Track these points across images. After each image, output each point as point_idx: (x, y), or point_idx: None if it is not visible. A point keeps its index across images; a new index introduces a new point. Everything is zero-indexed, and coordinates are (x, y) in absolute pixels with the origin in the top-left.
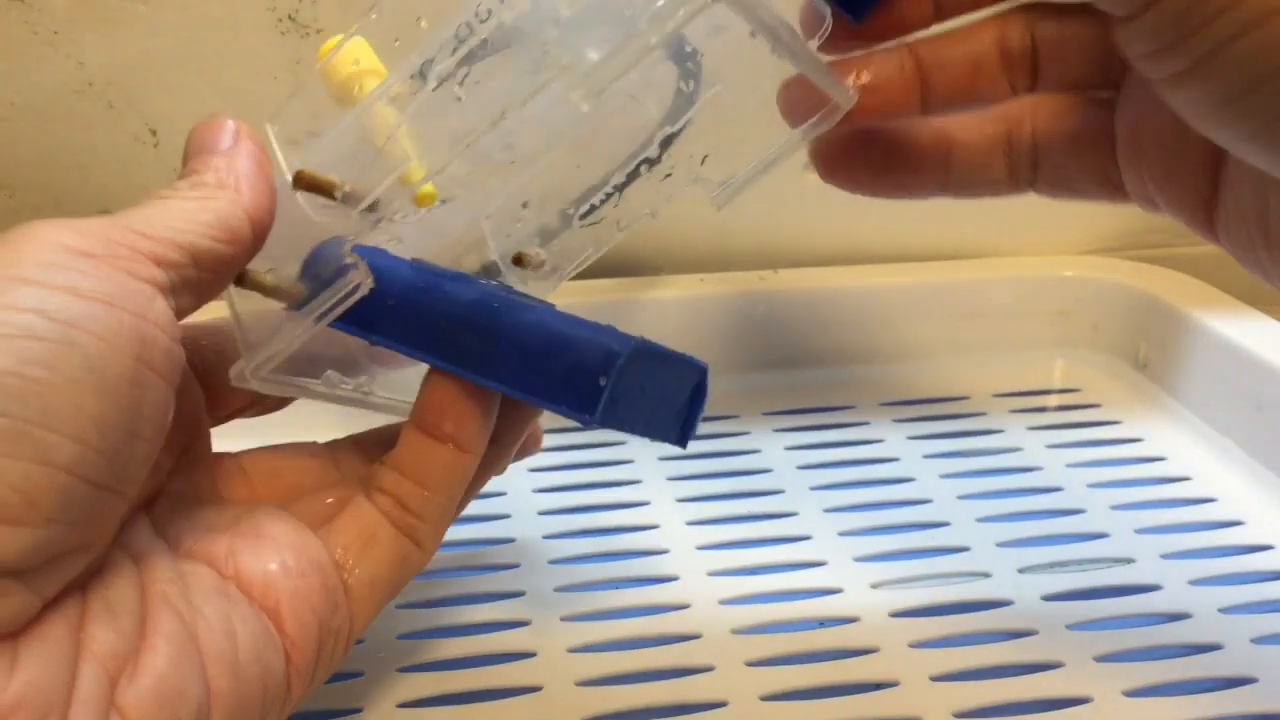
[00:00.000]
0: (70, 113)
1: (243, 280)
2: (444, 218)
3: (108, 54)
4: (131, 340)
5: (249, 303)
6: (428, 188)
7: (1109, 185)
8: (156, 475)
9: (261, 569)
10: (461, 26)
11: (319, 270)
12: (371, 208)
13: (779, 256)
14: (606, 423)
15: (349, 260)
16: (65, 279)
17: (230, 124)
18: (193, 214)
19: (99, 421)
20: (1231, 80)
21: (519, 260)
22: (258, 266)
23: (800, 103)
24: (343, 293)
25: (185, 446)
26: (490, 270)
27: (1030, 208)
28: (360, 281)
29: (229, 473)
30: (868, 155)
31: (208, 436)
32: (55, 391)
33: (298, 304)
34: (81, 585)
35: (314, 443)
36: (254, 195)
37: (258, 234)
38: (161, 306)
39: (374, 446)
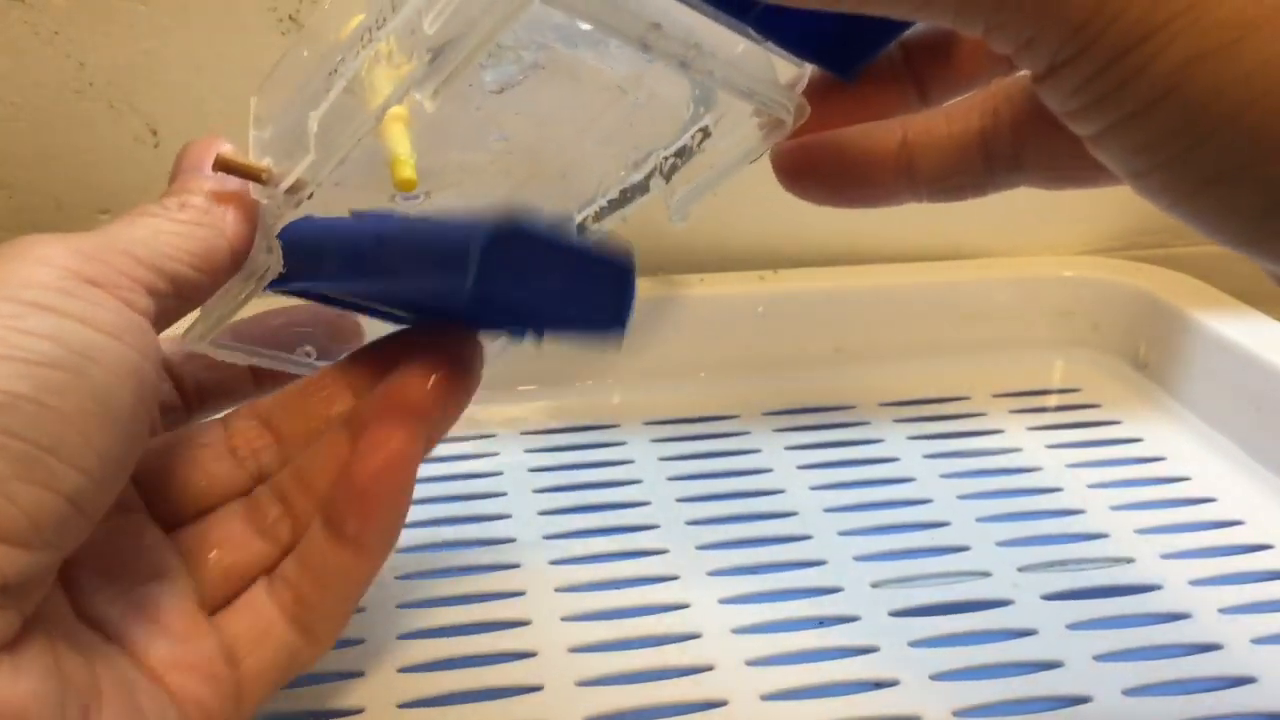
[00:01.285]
0: (70, 113)
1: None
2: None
3: (108, 54)
4: (133, 376)
5: None
6: (408, 172)
7: (1096, 168)
8: None
9: (156, 656)
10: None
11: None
12: (293, 189)
13: (779, 256)
14: (487, 314)
15: (269, 246)
16: (77, 308)
17: (225, 146)
18: (180, 242)
19: (101, 454)
20: (1148, 146)
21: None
22: None
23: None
24: (253, 274)
25: None
26: None
27: (1030, 208)
28: (269, 265)
29: (126, 519)
30: (825, 161)
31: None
32: (68, 422)
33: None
34: (40, 617)
35: (209, 422)
36: (238, 227)
37: (235, 264)
38: (154, 341)
39: (272, 411)
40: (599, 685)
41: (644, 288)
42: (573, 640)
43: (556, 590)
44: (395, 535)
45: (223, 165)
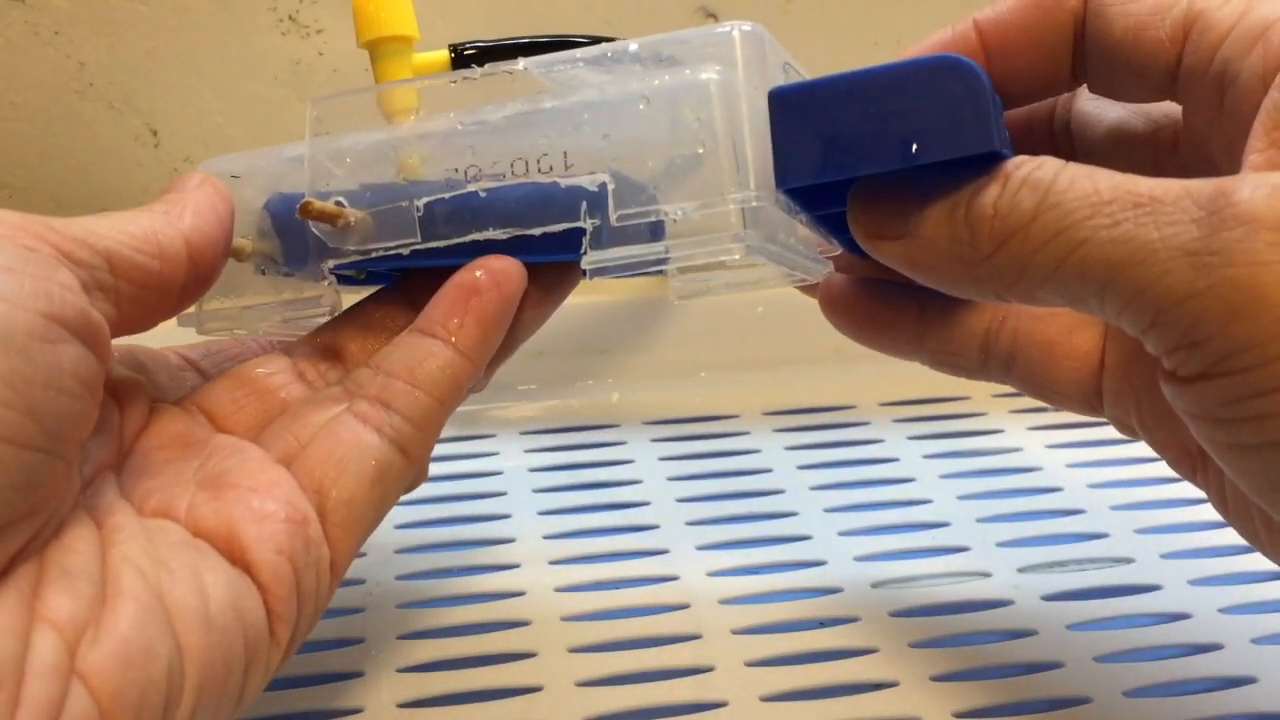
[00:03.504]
0: (70, 113)
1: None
2: None
3: (108, 54)
4: (35, 297)
5: None
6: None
7: (1087, 404)
8: (117, 436)
9: (222, 517)
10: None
11: (287, 224)
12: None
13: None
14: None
15: (326, 281)
16: None
17: (200, 174)
18: (118, 224)
19: (12, 379)
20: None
21: None
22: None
23: None
24: (313, 314)
25: (133, 428)
26: None
27: None
28: (333, 306)
29: (193, 422)
30: (857, 309)
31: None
32: None
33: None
34: (38, 553)
35: (269, 357)
36: (196, 221)
37: (197, 259)
38: (67, 274)
39: (334, 340)
40: (599, 685)
41: (644, 287)
42: (573, 640)
43: (556, 590)
44: (496, 340)
45: (306, 212)
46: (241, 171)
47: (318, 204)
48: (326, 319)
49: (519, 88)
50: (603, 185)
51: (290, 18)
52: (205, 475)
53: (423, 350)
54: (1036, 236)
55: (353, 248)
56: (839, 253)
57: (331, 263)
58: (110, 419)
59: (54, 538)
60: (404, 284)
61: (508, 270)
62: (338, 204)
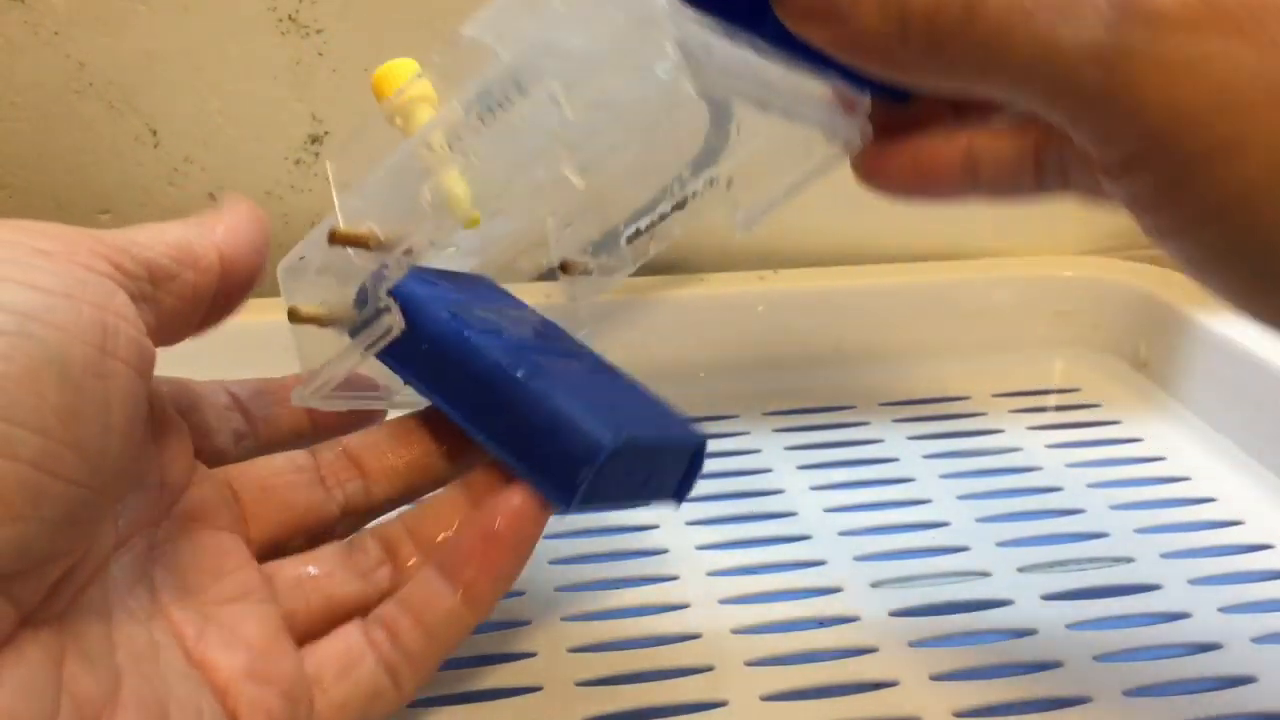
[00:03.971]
0: (70, 113)
1: (292, 317)
2: (496, 228)
3: (108, 54)
4: (93, 329)
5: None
6: (474, 215)
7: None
8: (156, 495)
9: (229, 666)
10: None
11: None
12: (409, 251)
13: (779, 256)
14: (584, 509)
15: (383, 304)
16: (22, 274)
17: (236, 194)
18: (155, 234)
19: (62, 413)
20: (1210, 248)
21: (565, 267)
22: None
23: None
24: (375, 336)
25: (173, 486)
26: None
27: (1030, 208)
28: (392, 325)
29: (218, 499)
30: (900, 164)
31: (195, 468)
32: (15, 383)
33: (353, 329)
34: (59, 619)
35: (299, 452)
36: (229, 234)
37: (230, 270)
38: (124, 300)
39: (360, 449)
40: (599, 685)
41: (644, 287)
42: (573, 640)
43: (557, 590)
44: (504, 591)
45: (336, 238)
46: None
47: (345, 231)
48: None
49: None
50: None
51: (290, 18)
52: (223, 610)
53: (435, 591)
54: (964, 37)
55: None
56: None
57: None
58: (153, 474)
59: (73, 608)
60: (432, 414)
61: (526, 516)
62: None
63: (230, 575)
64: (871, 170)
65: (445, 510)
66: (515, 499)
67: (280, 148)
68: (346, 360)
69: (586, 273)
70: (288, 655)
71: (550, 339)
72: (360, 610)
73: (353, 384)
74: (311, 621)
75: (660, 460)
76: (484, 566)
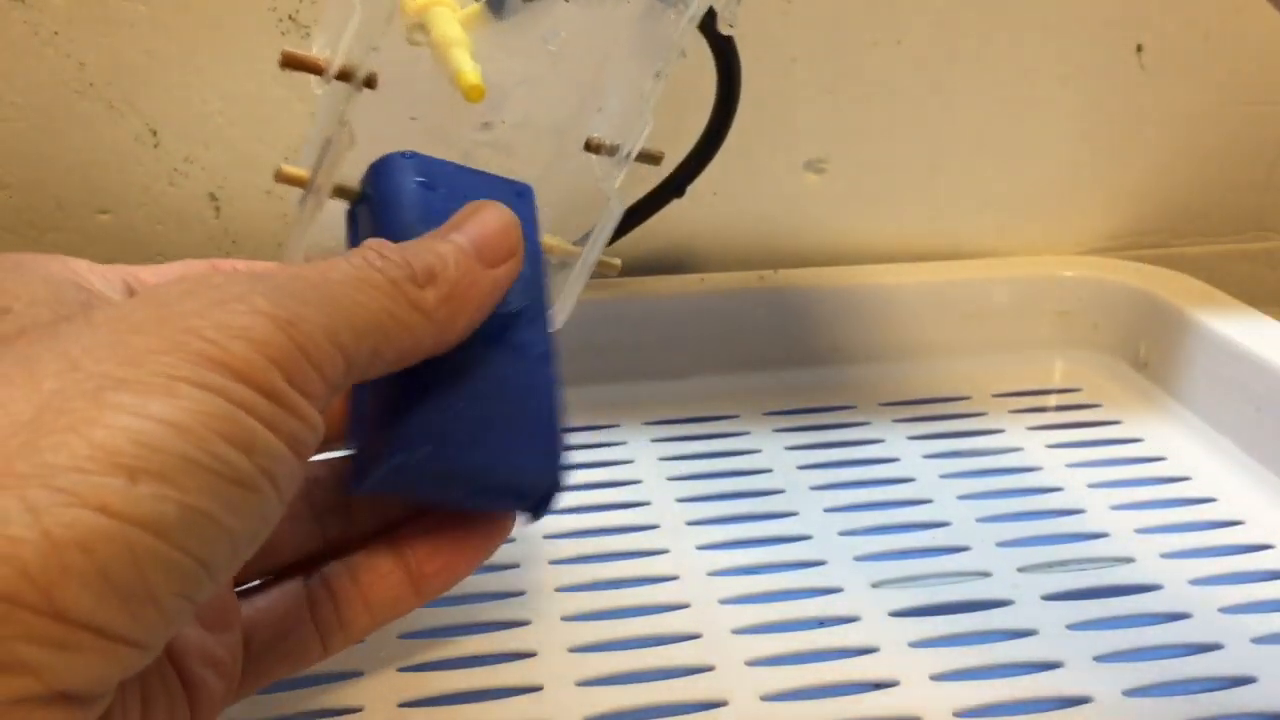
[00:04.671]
0: (70, 113)
1: (278, 176)
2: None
3: (108, 54)
4: (294, 488)
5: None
6: (475, 79)
7: None
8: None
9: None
10: None
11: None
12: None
13: (779, 256)
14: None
15: (336, 131)
16: (271, 414)
17: (515, 233)
18: (393, 333)
19: (239, 563)
20: None
21: (592, 147)
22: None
23: None
24: (326, 157)
25: None
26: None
27: (1030, 208)
28: (338, 143)
29: None
30: None
31: None
32: (232, 540)
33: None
34: None
35: None
36: (456, 333)
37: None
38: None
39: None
40: (599, 685)
41: (645, 287)
42: (573, 640)
43: (557, 590)
44: (451, 586)
45: (288, 61)
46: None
47: (295, 54)
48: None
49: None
50: None
51: (290, 18)
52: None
53: (385, 574)
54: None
55: None
56: None
57: None
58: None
59: None
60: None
61: (501, 527)
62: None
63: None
64: None
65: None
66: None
67: (280, 148)
68: (308, 207)
69: (611, 152)
70: (233, 608)
71: (510, 303)
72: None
73: None
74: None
75: (485, 482)
76: (445, 566)
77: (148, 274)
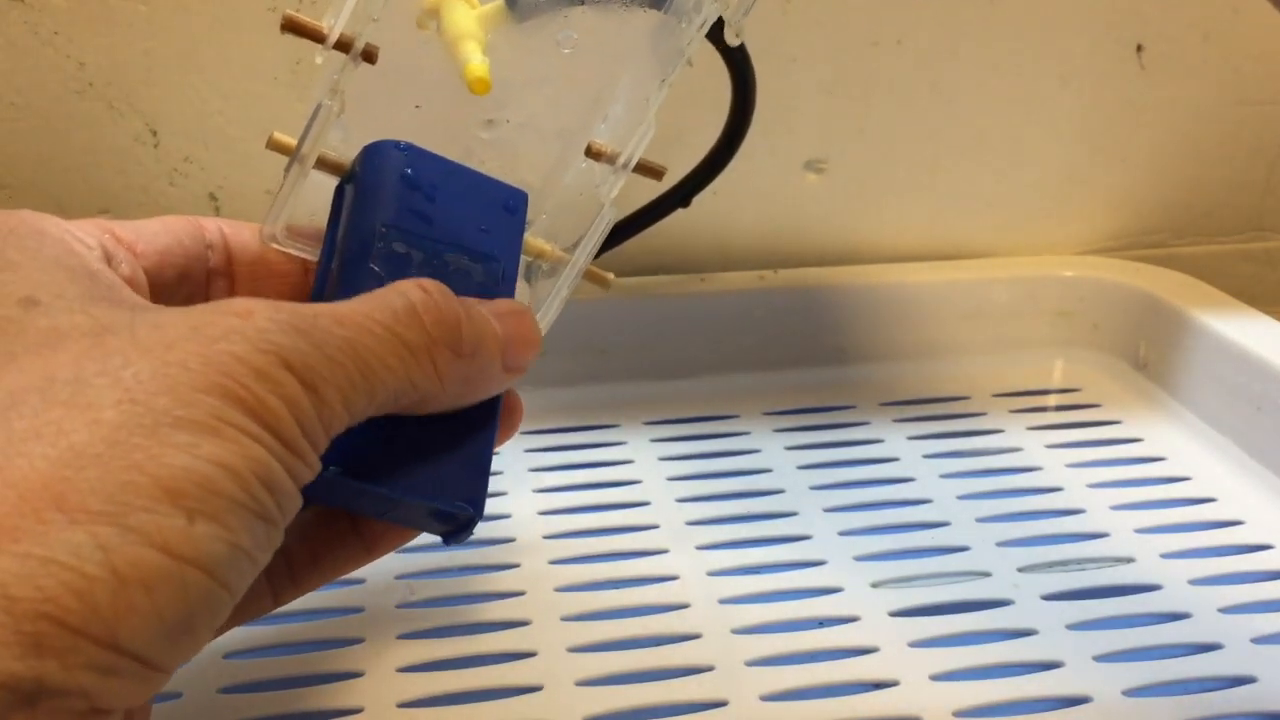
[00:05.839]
0: (70, 113)
1: (270, 144)
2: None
3: (108, 54)
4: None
5: None
6: (479, 71)
7: None
8: None
9: None
10: None
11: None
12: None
13: (779, 256)
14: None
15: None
16: (291, 468)
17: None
18: (418, 399)
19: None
20: None
21: (592, 153)
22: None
23: None
24: (321, 117)
25: None
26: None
27: (1030, 208)
28: (326, 110)
29: None
30: None
31: None
32: (244, 591)
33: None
34: None
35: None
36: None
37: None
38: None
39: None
40: (599, 685)
41: (645, 287)
42: (573, 640)
43: (556, 590)
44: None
45: (288, 25)
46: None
47: (298, 19)
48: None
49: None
50: None
51: None
52: None
53: (345, 538)
54: None
55: None
56: None
57: None
58: None
59: None
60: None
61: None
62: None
63: None
64: None
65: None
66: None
67: None
68: (291, 175)
69: (611, 160)
70: None
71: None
72: None
73: (308, 235)
74: None
75: (401, 507)
76: (395, 530)
77: (125, 231)
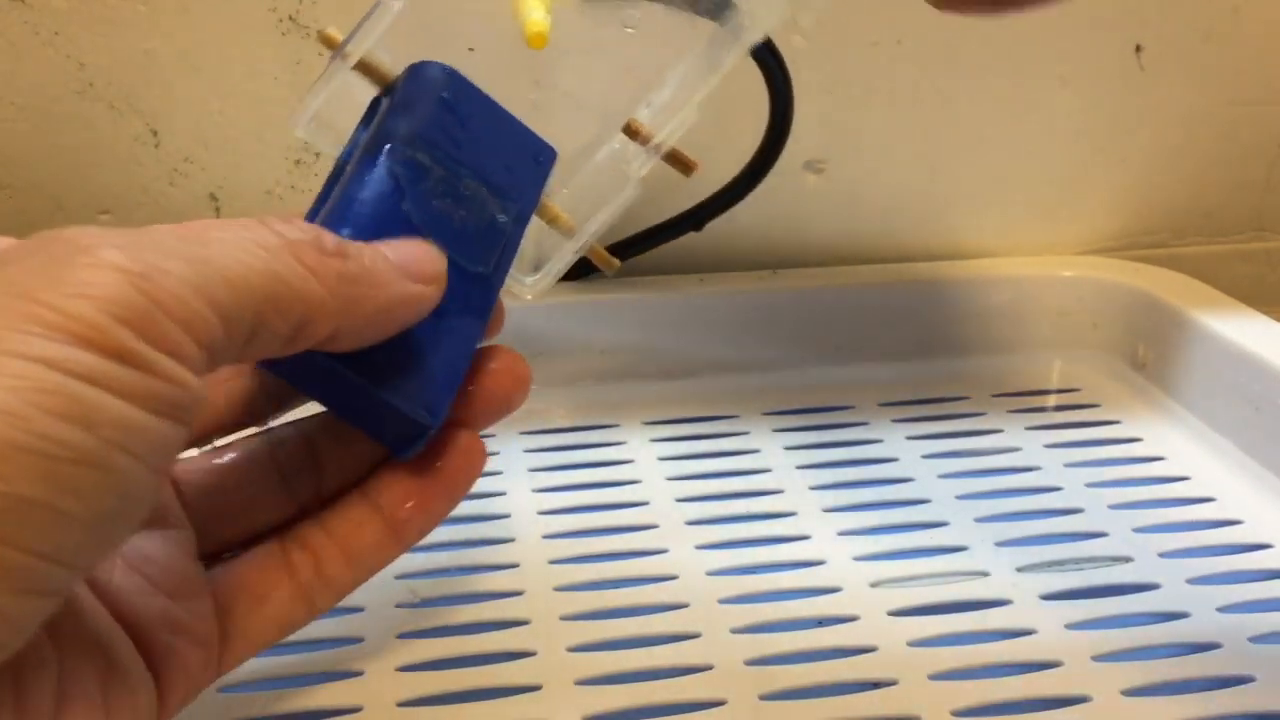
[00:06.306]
0: (70, 113)
1: (322, 38)
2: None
3: (108, 54)
4: (168, 455)
5: None
6: (539, 26)
7: None
8: None
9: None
10: None
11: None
12: None
13: (779, 257)
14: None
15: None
16: (122, 377)
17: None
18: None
19: (107, 547)
20: None
21: (629, 130)
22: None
23: None
24: (375, 13)
25: None
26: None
27: (1030, 209)
28: (388, 7)
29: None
30: None
31: None
32: (82, 526)
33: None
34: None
35: (255, 445)
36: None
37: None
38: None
39: (315, 429)
40: (598, 685)
41: (645, 287)
42: (572, 640)
43: (556, 590)
44: (434, 527)
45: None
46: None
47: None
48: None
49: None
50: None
51: (290, 18)
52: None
53: (362, 521)
54: None
55: None
56: None
57: None
58: None
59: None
60: None
61: (470, 455)
62: None
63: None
64: None
65: (353, 521)
66: (461, 439)
67: (280, 148)
68: (329, 68)
69: (645, 140)
70: (192, 575)
71: (477, 264)
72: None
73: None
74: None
75: (379, 411)
76: (420, 503)
77: None
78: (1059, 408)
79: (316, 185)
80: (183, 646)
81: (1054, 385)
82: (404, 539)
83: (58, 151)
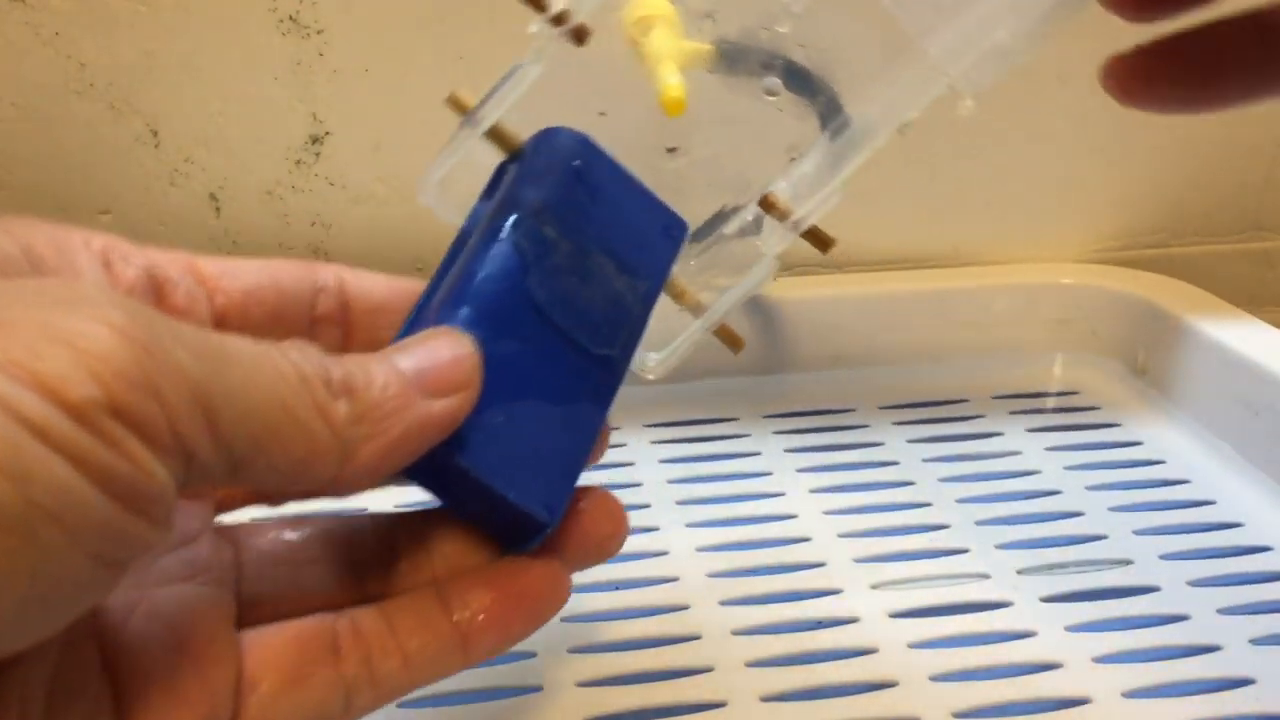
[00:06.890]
0: (70, 113)
1: (450, 103)
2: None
3: (108, 54)
4: (106, 539)
5: None
6: (677, 91)
7: None
8: None
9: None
10: None
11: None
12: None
13: (779, 260)
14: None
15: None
16: (77, 441)
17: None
18: (278, 430)
19: (23, 629)
20: None
21: (766, 203)
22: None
23: None
24: (511, 80)
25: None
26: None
27: (1030, 209)
28: (526, 74)
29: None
30: (1173, 66)
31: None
32: None
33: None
34: None
35: (335, 534)
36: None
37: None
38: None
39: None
40: (599, 685)
41: None
42: (573, 640)
43: None
44: (503, 649)
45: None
46: None
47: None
48: None
49: None
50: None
51: (290, 18)
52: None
53: (430, 620)
54: None
55: None
56: None
57: None
58: None
59: None
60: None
61: (554, 585)
62: None
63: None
64: (1140, 81)
65: (416, 612)
66: (554, 567)
67: (280, 148)
68: (459, 135)
69: (783, 216)
70: (220, 663)
71: (603, 345)
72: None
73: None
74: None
75: (495, 506)
76: (499, 618)
77: (211, 265)
78: (1059, 410)
79: (317, 185)
80: (179, 713)
81: (1054, 389)
82: (471, 652)
83: (58, 151)
